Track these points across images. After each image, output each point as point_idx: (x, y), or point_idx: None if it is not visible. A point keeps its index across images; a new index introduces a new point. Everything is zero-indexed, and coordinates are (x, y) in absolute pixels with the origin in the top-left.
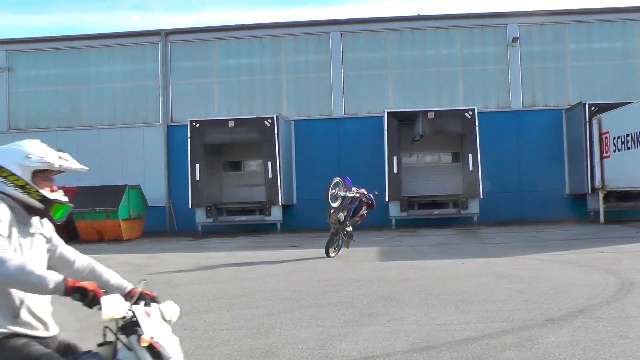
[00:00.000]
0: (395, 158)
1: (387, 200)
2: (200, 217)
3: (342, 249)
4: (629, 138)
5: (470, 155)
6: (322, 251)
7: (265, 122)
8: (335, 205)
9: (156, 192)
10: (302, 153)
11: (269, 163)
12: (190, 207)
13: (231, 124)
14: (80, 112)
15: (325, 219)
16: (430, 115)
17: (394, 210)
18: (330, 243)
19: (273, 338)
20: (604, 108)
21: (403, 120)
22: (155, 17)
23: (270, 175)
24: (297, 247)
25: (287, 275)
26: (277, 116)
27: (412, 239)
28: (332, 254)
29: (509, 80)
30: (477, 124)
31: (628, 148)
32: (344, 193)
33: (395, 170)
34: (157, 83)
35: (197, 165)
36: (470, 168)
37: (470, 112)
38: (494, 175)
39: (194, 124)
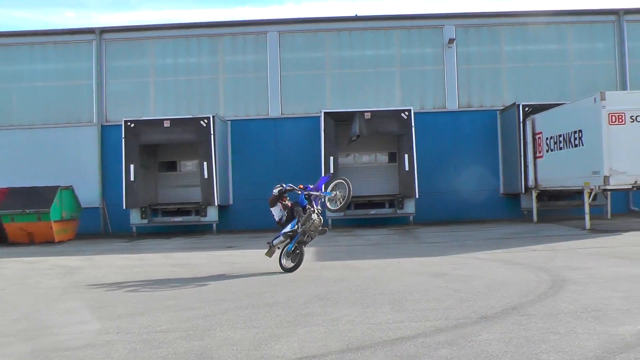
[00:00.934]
0: (332, 158)
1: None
2: (135, 218)
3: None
4: (561, 138)
5: (406, 156)
6: (259, 252)
7: (202, 122)
8: (334, 208)
9: (90, 193)
10: (239, 153)
11: (205, 163)
12: (124, 208)
13: (167, 124)
14: (11, 111)
15: (260, 220)
16: (367, 115)
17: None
18: (290, 254)
19: (208, 340)
20: (538, 109)
21: (340, 121)
22: (90, 15)
23: (206, 176)
24: (234, 248)
25: (223, 276)
26: (213, 116)
27: (349, 239)
28: (289, 265)
29: (445, 80)
30: (413, 124)
31: (560, 148)
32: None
33: (332, 170)
34: (91, 82)
35: (132, 166)
36: (406, 168)
37: (407, 113)
38: (430, 175)
39: (129, 123)
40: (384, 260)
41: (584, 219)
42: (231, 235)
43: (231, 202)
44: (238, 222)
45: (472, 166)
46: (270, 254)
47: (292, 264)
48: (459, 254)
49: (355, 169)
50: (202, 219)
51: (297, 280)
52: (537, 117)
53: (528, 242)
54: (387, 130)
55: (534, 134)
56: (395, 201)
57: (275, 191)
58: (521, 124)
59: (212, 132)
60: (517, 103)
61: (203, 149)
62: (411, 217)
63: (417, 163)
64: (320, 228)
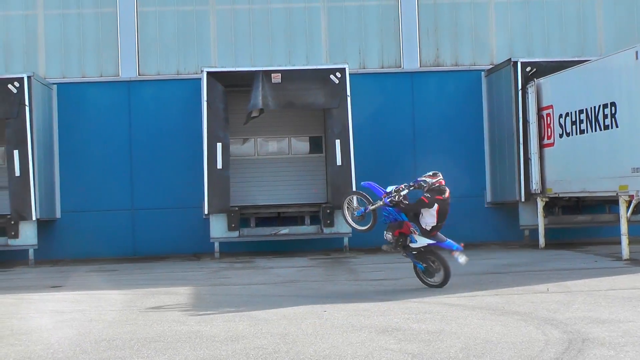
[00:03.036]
0: (219, 145)
1: (206, 212)
2: None
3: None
4: (582, 116)
5: (337, 142)
6: (104, 294)
7: (10, 85)
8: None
9: None
10: (71, 136)
11: (16, 153)
12: None
13: None
14: None
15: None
16: (276, 77)
17: (218, 229)
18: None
19: None
20: (546, 69)
21: (233, 86)
22: None
23: (17, 173)
24: (62, 288)
25: (45, 334)
26: (29, 76)
27: (247, 273)
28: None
29: (399, 25)
30: (348, 92)
31: (581, 131)
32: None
33: (219, 165)
34: None
35: None
36: (339, 162)
37: (339, 74)
38: (376, 174)
39: None
40: (301, 308)
41: (618, 243)
42: (58, 268)
43: (58, 214)
44: (69, 247)
45: (442, 159)
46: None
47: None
48: (419, 298)
49: (258, 162)
50: (12, 241)
51: (163, 340)
52: (545, 82)
53: (529, 279)
54: (308, 101)
55: (539, 109)
56: (320, 214)
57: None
58: (519, 93)
59: (27, 101)
60: (513, 59)
61: (12, 129)
62: (346, 240)
63: (355, 154)
64: None
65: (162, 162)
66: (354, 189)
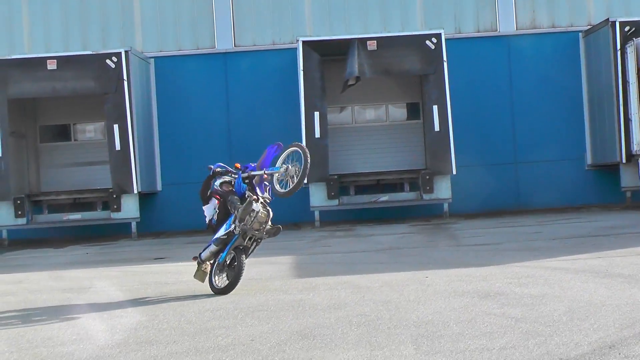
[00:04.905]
0: (316, 115)
1: (306, 182)
2: (5, 217)
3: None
4: None
5: (435, 108)
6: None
7: (108, 60)
8: (282, 191)
9: None
10: (169, 109)
11: (116, 127)
12: None
13: (52, 64)
14: None
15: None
16: (371, 45)
17: (318, 198)
18: (223, 268)
19: None
20: None
21: (329, 55)
22: None
23: (118, 147)
24: (165, 260)
25: (151, 305)
26: (126, 51)
27: (348, 241)
28: (222, 283)
29: None
30: (445, 57)
31: None
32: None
33: (317, 134)
34: None
35: None
36: (436, 128)
37: (435, 39)
38: (474, 140)
39: None
40: (402, 275)
41: None
42: (160, 240)
43: (159, 187)
44: (170, 219)
45: (541, 122)
46: (201, 275)
47: (227, 282)
48: (521, 262)
49: (355, 130)
50: (114, 215)
51: (266, 309)
52: None
53: (633, 241)
54: (404, 68)
55: (639, 69)
56: (419, 181)
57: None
58: (618, 53)
59: (125, 76)
60: (611, 19)
61: (112, 104)
62: (445, 206)
63: (453, 120)
64: (269, 225)
65: (260, 132)
66: (453, 154)
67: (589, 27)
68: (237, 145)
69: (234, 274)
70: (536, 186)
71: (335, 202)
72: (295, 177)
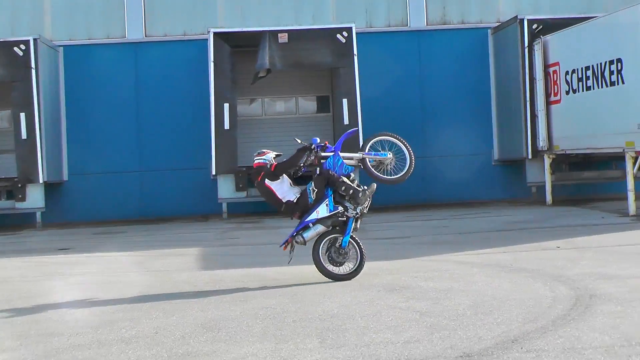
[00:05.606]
0: (226, 106)
1: (214, 173)
2: None
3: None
4: (589, 73)
5: (345, 101)
6: (112, 256)
7: (16, 48)
8: (392, 178)
9: None
10: (77, 98)
11: (23, 116)
12: None
13: None
14: None
15: None
16: (283, 37)
17: (226, 190)
18: (343, 252)
19: None
20: (552, 26)
21: (240, 46)
22: None
23: (24, 136)
24: (71, 251)
25: (54, 297)
26: (35, 39)
27: (255, 234)
28: (347, 269)
29: None
30: (355, 51)
31: (588, 88)
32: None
33: (226, 126)
34: None
35: None
36: (346, 121)
37: (346, 33)
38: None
39: None
40: (309, 267)
41: (625, 199)
42: (66, 231)
43: (65, 177)
44: (76, 210)
45: (450, 117)
46: (291, 254)
47: (353, 266)
48: (428, 256)
49: (265, 122)
50: (19, 204)
51: (172, 301)
52: (552, 39)
53: (537, 235)
54: (315, 61)
55: (546, 66)
56: None
57: (269, 156)
58: (526, 50)
59: (33, 64)
60: (519, 17)
61: (18, 92)
62: None
63: (362, 113)
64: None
65: (169, 123)
66: (361, 147)
67: (498, 24)
68: (146, 136)
69: (359, 257)
70: (444, 181)
71: (244, 194)
72: (388, 165)
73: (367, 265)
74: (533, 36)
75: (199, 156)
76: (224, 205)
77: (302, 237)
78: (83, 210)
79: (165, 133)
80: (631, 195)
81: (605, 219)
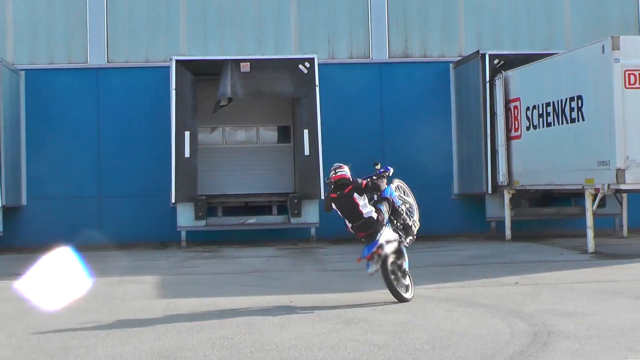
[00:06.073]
0: (187, 134)
1: (173, 201)
2: None
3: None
4: (549, 109)
5: (306, 132)
6: (69, 282)
7: None
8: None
9: None
10: (38, 123)
11: None
12: None
13: None
14: None
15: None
16: (245, 66)
17: (185, 218)
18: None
19: None
20: (514, 62)
21: (202, 74)
22: None
23: None
24: (25, 276)
25: (9, 322)
26: None
27: (214, 263)
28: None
29: (369, 14)
30: (317, 82)
31: (548, 124)
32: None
33: (187, 154)
34: None
35: None
36: (307, 152)
37: (308, 64)
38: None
39: None
40: (267, 298)
41: (584, 236)
42: (22, 256)
43: (24, 201)
44: (35, 235)
45: (410, 150)
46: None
47: (411, 290)
48: (386, 289)
49: (226, 151)
50: None
51: (128, 329)
52: (513, 74)
53: (496, 271)
54: (277, 90)
55: (507, 101)
56: (288, 204)
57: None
58: (487, 85)
59: None
60: (481, 52)
61: None
62: (313, 230)
63: (323, 143)
64: None
65: (129, 150)
66: (322, 178)
67: (460, 57)
68: (106, 162)
69: (412, 284)
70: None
71: (203, 222)
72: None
73: (325, 296)
74: (494, 71)
75: (159, 183)
76: (183, 234)
77: (385, 252)
78: (41, 235)
79: (126, 159)
80: (590, 233)
81: (564, 255)
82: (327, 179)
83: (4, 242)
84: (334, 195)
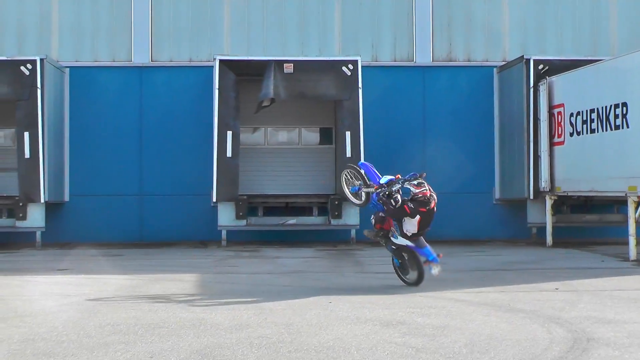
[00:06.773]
0: (229, 134)
1: (214, 200)
2: None
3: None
4: (594, 115)
5: (348, 134)
6: (110, 278)
7: (23, 67)
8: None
9: None
10: (81, 120)
11: (27, 135)
12: None
13: None
14: None
15: None
16: (288, 67)
17: (226, 217)
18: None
19: None
20: (558, 67)
21: (246, 75)
22: None
23: (27, 155)
24: (69, 271)
25: (50, 316)
26: (42, 59)
27: (253, 262)
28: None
29: (413, 18)
30: (360, 84)
31: (592, 131)
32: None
33: (229, 154)
34: None
35: None
36: (348, 154)
37: (351, 66)
38: (386, 167)
39: None
40: (306, 300)
41: (626, 243)
42: (65, 251)
43: (67, 198)
44: (76, 230)
45: (452, 154)
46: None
47: (417, 276)
48: (425, 292)
49: (267, 152)
50: (19, 223)
51: (167, 327)
52: (557, 80)
53: (536, 277)
54: (319, 92)
55: (551, 107)
56: (329, 206)
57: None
58: (531, 91)
59: (39, 84)
60: (525, 57)
61: (23, 111)
62: (353, 232)
63: (365, 146)
64: None
65: (171, 148)
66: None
67: (504, 62)
68: (148, 161)
69: (419, 270)
70: (444, 217)
71: (244, 222)
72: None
73: (363, 298)
74: (539, 77)
75: (200, 182)
76: (224, 233)
77: (393, 237)
78: (83, 231)
79: (167, 158)
80: (632, 240)
81: (605, 262)
82: (396, 186)
83: (46, 238)
84: (424, 210)
